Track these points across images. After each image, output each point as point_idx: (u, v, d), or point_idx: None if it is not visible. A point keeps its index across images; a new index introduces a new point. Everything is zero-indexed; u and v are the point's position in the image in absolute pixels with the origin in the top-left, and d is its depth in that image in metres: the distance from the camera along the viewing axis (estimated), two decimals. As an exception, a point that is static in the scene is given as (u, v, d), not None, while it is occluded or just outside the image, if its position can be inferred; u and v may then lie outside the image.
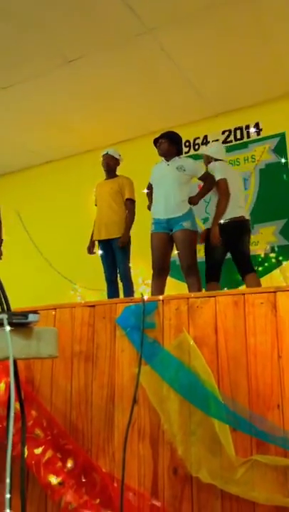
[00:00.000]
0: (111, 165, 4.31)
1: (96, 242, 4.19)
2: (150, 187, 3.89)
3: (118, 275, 4.14)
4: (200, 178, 3.78)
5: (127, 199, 4.14)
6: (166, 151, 3.76)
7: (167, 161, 3.76)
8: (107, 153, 4.34)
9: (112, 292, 4.12)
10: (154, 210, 3.71)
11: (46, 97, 4.88)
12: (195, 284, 3.46)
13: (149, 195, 3.90)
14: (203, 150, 4.35)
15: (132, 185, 4.21)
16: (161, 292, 3.53)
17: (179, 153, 3.89)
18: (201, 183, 3.86)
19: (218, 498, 1.66)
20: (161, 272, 3.62)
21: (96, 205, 4.30)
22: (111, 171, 4.32)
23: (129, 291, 4.04)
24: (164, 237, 3.61)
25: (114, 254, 4.10)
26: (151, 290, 3.63)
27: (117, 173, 4.34)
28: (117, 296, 4.08)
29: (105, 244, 4.13)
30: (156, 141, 3.83)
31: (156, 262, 3.64)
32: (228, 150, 5.15)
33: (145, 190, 3.97)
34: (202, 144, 5.34)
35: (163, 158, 3.80)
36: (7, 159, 6.33)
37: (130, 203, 4.15)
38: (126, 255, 4.11)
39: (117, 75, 4.54)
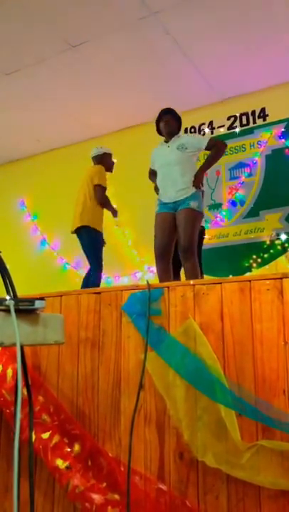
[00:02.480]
0: (107, 162, 4.28)
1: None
2: (153, 172, 3.79)
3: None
4: (207, 149, 3.61)
5: (94, 185, 4.09)
6: (175, 128, 3.64)
7: (167, 142, 3.65)
8: (93, 157, 4.30)
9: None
10: (162, 194, 3.58)
11: (50, 83, 4.85)
12: (191, 269, 3.33)
13: (153, 174, 3.78)
14: None
15: (101, 172, 4.16)
16: (167, 274, 3.42)
17: (179, 131, 3.73)
18: None
19: (223, 482, 1.68)
20: (164, 253, 3.46)
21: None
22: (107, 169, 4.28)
23: (95, 278, 4.00)
24: (169, 217, 3.47)
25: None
26: (157, 274, 3.49)
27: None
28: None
29: (78, 235, 4.14)
30: (158, 121, 3.68)
31: (158, 243, 3.49)
32: (234, 136, 5.11)
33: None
34: (207, 128, 5.30)
35: (162, 141, 3.68)
36: (11, 146, 6.32)
37: (96, 189, 4.10)
38: (89, 247, 4.07)
39: (122, 59, 4.49)
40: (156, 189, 3.70)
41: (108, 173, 4.25)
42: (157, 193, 3.67)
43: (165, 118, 3.62)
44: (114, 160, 4.37)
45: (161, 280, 3.39)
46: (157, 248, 3.49)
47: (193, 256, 3.37)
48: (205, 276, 3.86)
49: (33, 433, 1.84)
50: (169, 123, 3.61)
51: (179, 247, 3.41)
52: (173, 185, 3.50)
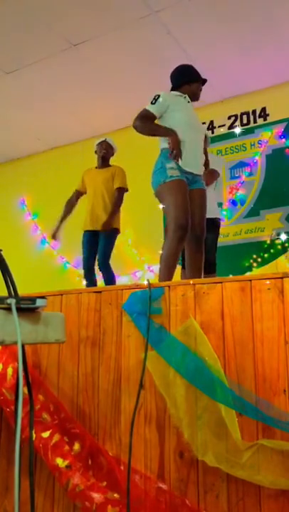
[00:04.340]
0: (107, 153, 4.27)
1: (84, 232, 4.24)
2: (153, 118, 2.95)
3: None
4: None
5: (117, 188, 4.11)
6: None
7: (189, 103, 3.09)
8: (105, 141, 4.28)
9: (91, 281, 4.12)
10: (186, 159, 2.87)
11: (51, 82, 4.85)
12: (201, 260, 2.97)
13: (152, 119, 2.95)
14: None
15: (125, 175, 4.17)
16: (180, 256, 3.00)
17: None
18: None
19: (223, 481, 1.68)
20: (186, 228, 2.75)
21: (85, 193, 4.27)
22: (106, 160, 4.27)
23: (110, 280, 4.04)
24: (187, 189, 2.86)
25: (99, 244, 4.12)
26: (173, 255, 2.74)
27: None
28: (94, 285, 4.08)
29: (93, 235, 4.11)
30: (194, 81, 3.15)
31: (184, 212, 2.73)
32: (235, 135, 5.11)
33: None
34: (208, 129, 5.30)
35: (182, 95, 3.09)
36: (12, 145, 6.32)
37: (119, 192, 4.11)
38: (108, 245, 4.08)
39: (123, 58, 4.49)
40: (161, 134, 2.93)
41: None
42: (147, 134, 2.97)
43: (202, 82, 3.19)
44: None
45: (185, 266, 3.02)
46: (186, 219, 2.75)
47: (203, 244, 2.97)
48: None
49: (33, 432, 1.84)
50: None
51: (196, 229, 2.91)
52: (199, 156, 3.00)
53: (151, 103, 2.95)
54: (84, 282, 4.21)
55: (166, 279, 2.68)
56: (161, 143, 2.97)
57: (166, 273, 2.71)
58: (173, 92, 3.09)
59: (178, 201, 2.76)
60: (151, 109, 2.93)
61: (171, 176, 2.81)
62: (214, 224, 3.82)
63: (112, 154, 4.33)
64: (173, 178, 2.81)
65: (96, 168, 4.31)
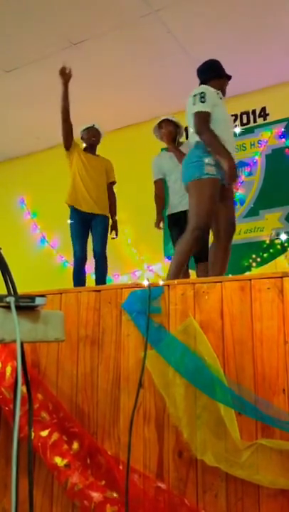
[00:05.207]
0: (96, 141, 4.20)
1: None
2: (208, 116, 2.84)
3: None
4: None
5: (111, 182, 4.17)
6: None
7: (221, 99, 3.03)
8: (93, 127, 4.17)
9: (84, 271, 4.05)
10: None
11: (51, 81, 4.83)
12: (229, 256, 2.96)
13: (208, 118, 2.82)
14: None
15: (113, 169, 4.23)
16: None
17: None
18: None
19: (222, 480, 1.68)
20: (205, 230, 2.85)
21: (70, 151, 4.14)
22: (94, 148, 4.20)
23: (106, 269, 4.04)
24: (218, 190, 2.82)
25: (92, 231, 4.06)
26: (186, 253, 2.74)
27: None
28: (84, 283, 4.02)
29: (87, 218, 4.04)
30: (225, 78, 3.13)
31: (208, 215, 2.74)
32: (234, 135, 5.10)
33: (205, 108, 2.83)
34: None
35: (220, 93, 3.03)
36: (11, 144, 6.31)
37: (112, 187, 4.20)
38: (107, 232, 4.11)
39: (123, 57, 4.49)
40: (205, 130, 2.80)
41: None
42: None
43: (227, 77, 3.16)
44: None
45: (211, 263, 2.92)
46: (208, 223, 2.80)
47: None
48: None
49: (32, 431, 1.83)
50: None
51: (231, 226, 2.93)
52: (234, 152, 2.95)
53: (201, 102, 2.80)
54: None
55: (175, 275, 2.65)
56: (196, 137, 2.83)
57: (176, 271, 2.69)
58: (210, 88, 2.94)
59: (206, 203, 2.73)
60: (205, 108, 2.80)
61: (207, 174, 2.75)
62: None
63: (99, 141, 4.26)
64: (209, 175, 2.75)
65: (86, 153, 4.17)
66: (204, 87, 2.91)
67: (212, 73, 3.09)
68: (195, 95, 2.85)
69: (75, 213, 4.06)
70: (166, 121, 3.85)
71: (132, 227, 5.40)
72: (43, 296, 1.13)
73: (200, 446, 1.70)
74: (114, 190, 4.26)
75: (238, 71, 4.70)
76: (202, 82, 3.08)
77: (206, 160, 2.77)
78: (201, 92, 2.84)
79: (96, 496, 1.74)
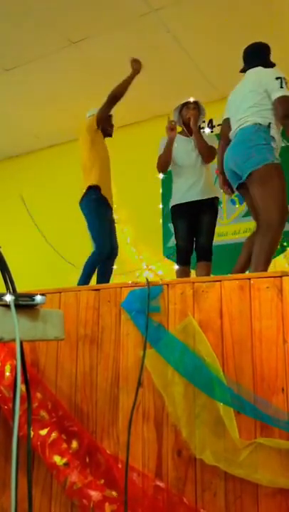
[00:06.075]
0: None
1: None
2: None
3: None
4: None
5: None
6: None
7: None
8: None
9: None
10: (278, 141, 2.73)
11: (50, 79, 4.84)
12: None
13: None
14: None
15: None
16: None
17: None
18: None
19: (221, 479, 1.68)
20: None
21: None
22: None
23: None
24: None
25: (112, 226, 3.98)
26: (276, 244, 2.57)
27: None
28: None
29: (111, 212, 3.86)
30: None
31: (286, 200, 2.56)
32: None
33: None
34: (207, 127, 5.30)
35: None
36: (10, 142, 6.30)
37: None
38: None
39: (122, 56, 4.47)
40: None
41: None
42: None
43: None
44: None
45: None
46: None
47: None
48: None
49: (31, 429, 1.83)
50: None
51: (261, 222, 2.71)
52: None
53: (281, 87, 2.63)
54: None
55: (264, 267, 2.44)
56: (257, 118, 2.65)
57: (266, 263, 2.47)
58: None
59: (284, 189, 2.52)
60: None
61: (277, 159, 2.58)
62: (213, 204, 3.56)
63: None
64: (279, 161, 2.59)
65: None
66: (277, 69, 2.76)
67: (269, 57, 3.00)
68: (280, 78, 2.65)
69: (106, 205, 3.76)
70: (195, 103, 3.74)
71: (131, 226, 5.39)
72: (42, 294, 1.13)
73: (199, 445, 1.70)
74: (113, 188, 4.22)
75: (238, 70, 4.70)
76: (267, 64, 2.90)
77: (274, 144, 2.60)
78: (282, 77, 2.67)
79: (95, 494, 1.74)
